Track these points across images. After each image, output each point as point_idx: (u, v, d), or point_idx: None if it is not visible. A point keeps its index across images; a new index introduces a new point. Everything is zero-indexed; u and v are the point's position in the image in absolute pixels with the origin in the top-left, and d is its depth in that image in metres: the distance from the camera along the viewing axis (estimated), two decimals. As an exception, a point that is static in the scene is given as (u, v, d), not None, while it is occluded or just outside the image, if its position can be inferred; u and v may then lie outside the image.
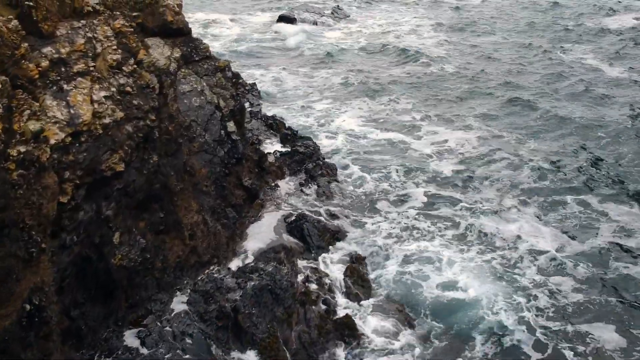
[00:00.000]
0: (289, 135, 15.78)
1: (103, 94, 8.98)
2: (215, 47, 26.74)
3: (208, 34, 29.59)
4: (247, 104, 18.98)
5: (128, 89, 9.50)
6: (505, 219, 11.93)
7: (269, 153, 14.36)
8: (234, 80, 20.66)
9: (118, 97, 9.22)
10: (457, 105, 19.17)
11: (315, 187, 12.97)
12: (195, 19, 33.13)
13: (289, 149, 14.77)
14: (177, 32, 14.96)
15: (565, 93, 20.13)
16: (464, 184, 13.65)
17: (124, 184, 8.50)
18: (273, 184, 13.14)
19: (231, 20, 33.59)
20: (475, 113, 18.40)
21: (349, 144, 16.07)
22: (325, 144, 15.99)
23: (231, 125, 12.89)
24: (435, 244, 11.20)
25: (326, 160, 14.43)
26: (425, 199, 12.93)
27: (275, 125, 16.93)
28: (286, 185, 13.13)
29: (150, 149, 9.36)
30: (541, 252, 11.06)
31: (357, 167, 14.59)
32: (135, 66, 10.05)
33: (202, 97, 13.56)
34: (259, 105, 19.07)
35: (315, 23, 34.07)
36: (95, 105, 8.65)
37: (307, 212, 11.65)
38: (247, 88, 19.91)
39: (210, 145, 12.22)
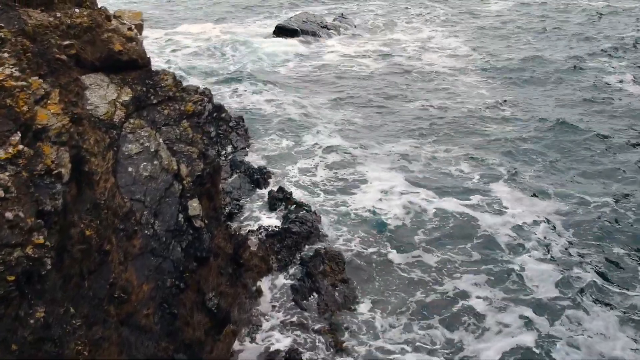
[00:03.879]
0: (279, 200, 12.02)
1: (-57, 210, 5.23)
2: (195, 68, 22.97)
3: (189, 50, 25.79)
4: (229, 148, 15.27)
5: (-1, 191, 5.72)
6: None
7: (251, 233, 10.58)
8: (214, 114, 16.97)
9: (-26, 211, 5.43)
10: (516, 150, 15.06)
11: (315, 294, 9.19)
12: (175, 32, 29.42)
13: (279, 226, 10.99)
14: (129, 65, 11.31)
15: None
16: (573, 310, 9.23)
17: (-36, 383, 4.72)
18: (254, 288, 9.38)
19: (219, 32, 29.83)
20: (547, 167, 14.13)
21: (370, 214, 11.98)
22: (334, 213, 12.04)
23: (194, 206, 9.13)
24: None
25: (330, 245, 10.61)
26: (510, 331, 8.82)
27: (262, 182, 13.17)
28: (272, 289, 9.39)
29: (34, 294, 5.59)
30: None
31: (385, 255, 10.56)
32: (21, 146, 6.27)
33: (156, 162, 9.81)
34: (244, 149, 15.33)
35: (317, 35, 30.36)
36: None
37: (301, 346, 7.87)
38: (230, 125, 16.19)
39: (161, 241, 8.47)
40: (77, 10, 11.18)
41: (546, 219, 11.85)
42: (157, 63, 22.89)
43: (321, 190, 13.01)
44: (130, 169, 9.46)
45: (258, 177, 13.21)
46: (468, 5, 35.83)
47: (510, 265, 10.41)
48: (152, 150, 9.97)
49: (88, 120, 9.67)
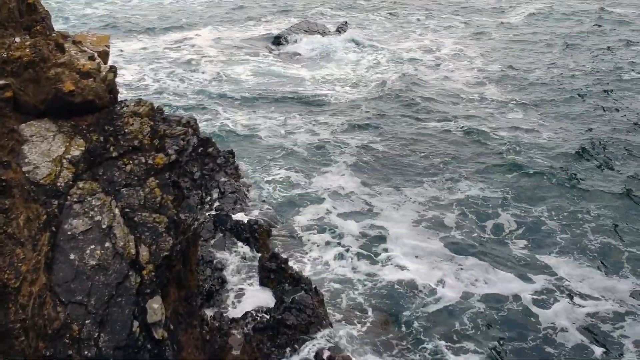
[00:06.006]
0: (272, 271, 9.78)
1: None
2: (180, 87, 20.69)
3: (175, 62, 23.51)
4: (215, 193, 13.10)
5: None
6: None
7: (234, 324, 8.34)
8: (200, 150, 14.80)
9: None
10: (568, 196, 12.53)
11: None
12: (164, 40, 27.15)
13: (270, 311, 8.75)
14: (83, 108, 9.20)
15: None
16: None
17: None
18: (235, 416, 7.12)
19: (213, 40, 27.57)
20: (618, 223, 11.58)
21: (390, 295, 9.30)
22: (342, 291, 9.60)
23: (155, 308, 6.96)
24: None
25: (337, 341, 8.35)
26: None
27: (253, 242, 10.95)
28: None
29: None
30: None
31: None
32: None
33: (108, 244, 7.60)
34: (233, 193, 13.16)
35: (319, 46, 28.09)
36: None
37: None
38: (218, 162, 13.99)
39: (106, 366, 6.21)
40: (17, 39, 8.99)
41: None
42: (137, 80, 20.72)
43: (328, 255, 10.72)
44: (72, 257, 7.24)
45: (247, 236, 10.99)
46: (480, 16, 33.46)
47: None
48: (104, 226, 7.76)
49: (20, 189, 7.56)
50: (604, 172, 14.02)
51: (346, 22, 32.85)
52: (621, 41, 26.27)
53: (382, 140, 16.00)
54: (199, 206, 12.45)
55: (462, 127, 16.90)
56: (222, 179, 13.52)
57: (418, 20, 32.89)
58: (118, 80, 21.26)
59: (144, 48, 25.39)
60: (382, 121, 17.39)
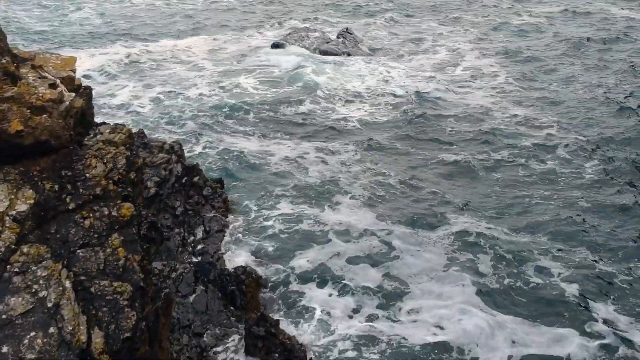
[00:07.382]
0: (261, 338, 8.39)
1: None
2: (175, 105, 19.22)
3: (171, 78, 22.07)
4: (199, 231, 11.79)
5: None
6: None
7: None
8: (184, 179, 13.46)
9: None
10: (618, 237, 11.23)
11: None
12: (155, 51, 25.67)
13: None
14: (35, 150, 7.89)
15: None
16: None
17: None
18: None
19: (208, 52, 26.17)
20: None
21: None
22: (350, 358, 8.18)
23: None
24: None
25: None
26: None
27: (240, 296, 9.58)
28: None
29: None
30: None
31: None
32: None
33: (52, 329, 6.24)
34: (221, 232, 11.85)
35: (319, 55, 26.74)
36: None
37: None
38: (204, 193, 12.63)
39: None
40: (-46, 69, 7.68)
41: None
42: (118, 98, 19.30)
43: (333, 311, 9.25)
44: (5, 349, 5.84)
45: (233, 289, 9.59)
46: (491, 24, 31.82)
47: None
48: (50, 304, 6.36)
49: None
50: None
51: (347, 29, 31.41)
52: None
53: (398, 169, 14.43)
54: (179, 249, 11.06)
55: (486, 154, 15.32)
56: (209, 214, 12.14)
57: (429, 27, 31.35)
58: (100, 101, 19.59)
59: (132, 60, 23.92)
60: (397, 147, 15.83)
